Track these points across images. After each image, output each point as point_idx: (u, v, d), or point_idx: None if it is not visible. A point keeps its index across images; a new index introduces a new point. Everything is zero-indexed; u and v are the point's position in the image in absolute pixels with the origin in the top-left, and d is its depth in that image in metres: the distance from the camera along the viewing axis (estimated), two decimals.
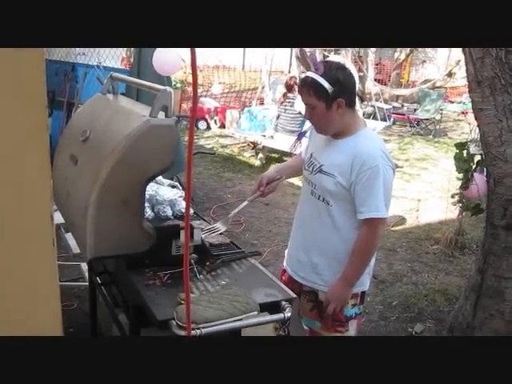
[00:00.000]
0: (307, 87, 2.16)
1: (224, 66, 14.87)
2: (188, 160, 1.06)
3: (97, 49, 6.18)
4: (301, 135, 7.45)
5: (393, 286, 4.46)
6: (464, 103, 14.15)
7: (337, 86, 2.12)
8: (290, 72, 11.04)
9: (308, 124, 6.42)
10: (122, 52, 6.75)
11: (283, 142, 7.92)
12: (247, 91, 13.10)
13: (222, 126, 10.70)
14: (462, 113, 13.81)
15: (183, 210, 2.43)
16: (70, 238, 3.05)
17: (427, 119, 11.92)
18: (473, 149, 4.04)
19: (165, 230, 2.23)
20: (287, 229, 4.95)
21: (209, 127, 10.84)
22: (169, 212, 2.43)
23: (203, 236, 2.28)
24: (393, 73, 15.39)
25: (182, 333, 1.67)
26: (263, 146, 8.37)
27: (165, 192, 2.47)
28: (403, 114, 12.67)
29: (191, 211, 2.57)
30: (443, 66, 17.13)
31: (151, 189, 2.42)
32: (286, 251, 2.60)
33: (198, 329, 1.69)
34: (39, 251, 1.18)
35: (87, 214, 2.06)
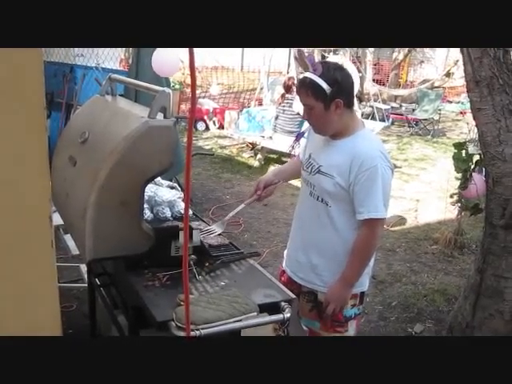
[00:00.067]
0: (305, 88, 2.16)
1: (222, 66, 14.87)
2: (187, 161, 1.06)
3: (95, 50, 6.18)
4: (299, 136, 7.46)
5: (392, 287, 4.46)
6: (462, 103, 14.16)
7: (335, 86, 2.13)
8: (288, 73, 11.04)
9: (306, 124, 6.44)
10: (120, 53, 6.75)
11: (282, 142, 7.92)
12: (246, 92, 13.09)
13: (221, 127, 10.70)
14: (461, 113, 13.83)
15: (182, 211, 2.43)
16: (68, 240, 3.05)
17: (426, 119, 11.93)
18: (471, 149, 4.04)
19: (164, 231, 2.23)
20: (286, 229, 4.95)
21: (207, 128, 10.84)
22: (168, 213, 2.43)
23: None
24: (391, 73, 15.40)
25: (182, 334, 1.67)
26: (262, 147, 8.37)
27: (164, 193, 2.47)
28: (402, 115, 12.69)
29: (190, 212, 2.57)
30: (441, 66, 17.15)
31: (150, 190, 2.42)
32: (285, 252, 2.60)
33: (198, 330, 1.69)
34: (38, 252, 1.18)
35: (86, 216, 2.06)
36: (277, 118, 8.12)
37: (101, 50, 6.12)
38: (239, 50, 16.57)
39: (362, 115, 10.82)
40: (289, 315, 1.89)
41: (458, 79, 14.40)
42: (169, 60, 4.58)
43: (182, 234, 2.13)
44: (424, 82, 15.00)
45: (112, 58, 6.18)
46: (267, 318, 1.89)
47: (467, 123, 8.20)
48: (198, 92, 11.37)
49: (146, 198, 2.29)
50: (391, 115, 12.29)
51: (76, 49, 6.56)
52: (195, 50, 0.95)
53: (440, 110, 12.23)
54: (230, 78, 14.28)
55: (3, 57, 1.00)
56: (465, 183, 3.85)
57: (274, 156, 8.68)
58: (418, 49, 16.80)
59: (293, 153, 7.33)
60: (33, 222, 1.15)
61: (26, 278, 1.17)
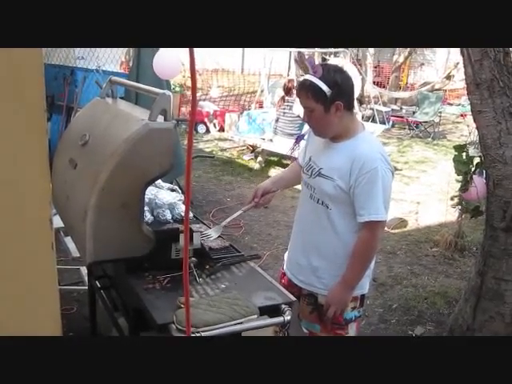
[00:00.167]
0: (305, 90, 2.17)
1: (223, 69, 14.90)
2: (187, 163, 1.06)
3: (96, 53, 6.19)
4: (299, 138, 7.46)
5: (393, 289, 4.46)
6: (463, 106, 14.15)
7: (335, 88, 2.13)
8: (288, 75, 11.05)
9: (307, 127, 6.44)
10: (121, 56, 6.76)
11: (282, 145, 7.92)
12: (246, 94, 13.10)
13: (221, 130, 10.71)
14: (461, 115, 13.80)
15: (182, 214, 2.43)
16: (69, 242, 3.05)
17: (426, 122, 11.93)
18: (472, 151, 4.04)
19: (164, 233, 2.23)
20: (287, 232, 4.95)
21: (208, 131, 10.85)
22: (168, 215, 2.43)
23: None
24: (391, 75, 15.40)
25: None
26: (262, 149, 8.37)
27: (164, 195, 2.47)
28: (402, 117, 12.68)
29: (190, 215, 2.57)
30: (442, 68, 17.15)
31: (150, 192, 2.42)
32: (286, 254, 2.60)
33: (198, 332, 1.69)
34: (38, 255, 1.18)
35: (86, 218, 2.06)
36: (277, 120, 8.12)
37: (101, 52, 6.13)
38: (239, 52, 16.59)
39: (363, 118, 10.82)
40: (289, 318, 1.89)
41: (459, 82, 14.39)
42: (170, 62, 4.59)
43: (182, 236, 2.13)
44: (424, 84, 15.01)
45: (113, 60, 6.18)
46: (268, 320, 1.89)
47: (468, 126, 8.21)
48: (198, 94, 11.39)
49: (146, 200, 2.28)
50: (392, 118, 12.30)
51: (76, 51, 6.58)
52: (195, 50, 0.95)
53: (440, 112, 12.23)
54: (230, 81, 14.29)
55: (3, 57, 1.00)
56: (465, 186, 3.84)
57: (275, 158, 8.68)
58: (418, 51, 16.80)
59: (293, 155, 7.32)
60: (33, 225, 1.15)
61: (26, 281, 1.17)
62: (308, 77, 2.16)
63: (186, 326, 1.54)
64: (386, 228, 4.14)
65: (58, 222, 2.54)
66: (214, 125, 10.94)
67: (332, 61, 9.51)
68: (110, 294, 2.28)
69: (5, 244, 1.12)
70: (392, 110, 12.76)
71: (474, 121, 3.08)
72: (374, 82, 13.75)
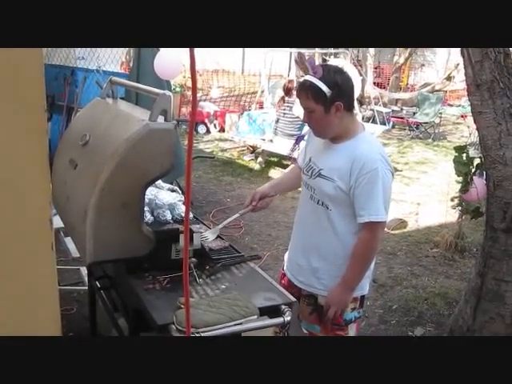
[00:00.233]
0: (305, 90, 2.17)
1: (223, 70, 14.90)
2: (187, 164, 1.06)
3: (96, 53, 6.20)
4: (299, 139, 7.46)
5: (393, 290, 4.46)
6: (463, 107, 14.15)
7: (335, 89, 2.13)
8: (289, 76, 11.05)
9: (307, 128, 6.43)
10: (121, 56, 6.76)
11: (282, 145, 7.92)
12: (246, 95, 13.11)
13: (222, 130, 10.72)
14: (461, 116, 13.80)
15: (183, 214, 2.43)
16: (69, 242, 3.05)
17: (426, 123, 11.92)
18: (472, 152, 4.03)
19: (164, 233, 2.23)
20: (287, 233, 4.95)
21: (208, 131, 10.85)
22: (168, 216, 2.43)
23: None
24: (392, 76, 15.40)
25: None
26: (262, 150, 8.37)
27: (164, 196, 2.47)
28: (402, 118, 12.68)
29: (191, 215, 2.57)
30: (442, 69, 17.15)
31: (150, 193, 2.42)
32: (286, 255, 2.60)
33: (198, 333, 1.69)
34: (38, 255, 1.18)
35: (87, 218, 2.06)
36: (277, 121, 8.12)
37: (102, 52, 6.14)
38: (240, 52, 16.58)
39: (363, 118, 10.83)
40: (289, 318, 1.89)
41: (459, 83, 14.39)
42: (171, 63, 4.59)
43: (182, 236, 2.13)
44: (425, 85, 15.02)
45: (113, 60, 6.19)
46: (267, 321, 1.89)
47: (468, 127, 8.21)
48: (198, 95, 11.39)
49: (146, 200, 2.28)
50: (392, 118, 12.30)
51: (77, 52, 6.58)
52: (195, 51, 0.95)
53: (441, 113, 12.22)
54: (230, 81, 14.30)
55: (3, 57, 1.00)
56: (465, 186, 3.84)
57: (275, 159, 8.68)
58: (418, 52, 16.81)
59: (293, 156, 7.33)
60: (33, 225, 1.15)
61: (26, 281, 1.17)
62: (308, 77, 2.16)
63: (185, 327, 1.54)
64: (385, 229, 4.13)
65: (58, 222, 2.54)
66: (215, 125, 10.94)
67: (332, 62, 9.50)
68: (109, 294, 2.28)
69: (5, 244, 1.12)
70: (392, 110, 12.77)
71: (475, 122, 3.08)
72: (374, 83, 13.76)
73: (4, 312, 1.15)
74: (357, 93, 7.56)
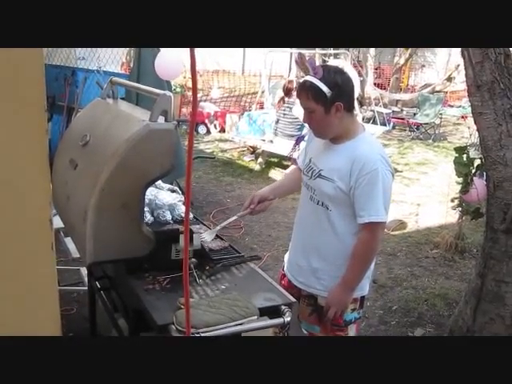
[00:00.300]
0: (306, 91, 2.17)
1: (224, 70, 14.90)
2: (188, 164, 1.06)
3: (97, 53, 6.20)
4: (299, 139, 7.46)
5: (393, 291, 4.46)
6: (463, 107, 14.13)
7: (335, 89, 2.13)
8: (289, 76, 11.05)
9: (307, 128, 6.42)
10: (121, 57, 6.76)
11: (283, 146, 7.92)
12: (247, 96, 13.11)
13: (222, 131, 10.72)
14: (462, 117, 13.80)
15: (183, 215, 2.43)
16: (69, 243, 3.05)
17: (427, 123, 11.92)
18: (472, 153, 4.03)
19: (164, 234, 2.23)
20: (287, 233, 4.95)
21: (208, 131, 10.85)
22: (168, 216, 2.43)
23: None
24: (392, 77, 15.40)
25: None
26: (263, 151, 8.37)
27: (164, 196, 2.47)
28: (403, 119, 12.68)
29: (191, 215, 2.57)
30: (442, 70, 17.15)
31: (151, 193, 2.42)
32: (286, 256, 2.60)
33: (198, 333, 1.69)
34: (38, 255, 1.18)
35: (87, 219, 2.06)
36: (277, 121, 8.12)
37: (102, 53, 6.14)
38: (240, 53, 16.57)
39: (363, 119, 10.83)
40: (289, 319, 1.89)
41: (460, 83, 14.38)
42: (172, 63, 4.59)
43: (182, 237, 2.13)
44: (425, 86, 15.01)
45: (113, 61, 6.19)
46: (267, 321, 1.89)
47: (468, 127, 8.19)
48: (199, 95, 11.39)
49: (146, 201, 2.28)
50: (392, 119, 12.30)
51: (77, 52, 6.58)
52: (196, 51, 0.95)
53: (441, 114, 12.22)
54: (231, 82, 14.30)
55: (3, 57, 1.00)
56: (466, 187, 3.83)
57: (275, 159, 8.68)
58: (419, 53, 16.80)
59: (293, 156, 7.33)
60: (33, 225, 1.15)
61: (26, 281, 1.17)
62: (308, 78, 2.16)
63: (185, 327, 1.54)
64: (385, 230, 4.14)
65: (58, 222, 2.54)
66: (215, 126, 10.94)
67: (332, 62, 9.50)
68: (109, 294, 2.28)
69: (5, 244, 1.12)
70: (393, 111, 12.76)
71: (475, 123, 3.08)
72: (374, 84, 13.75)
73: (4, 312, 1.15)
74: (356, 94, 7.55)
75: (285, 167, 8.17)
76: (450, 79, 14.91)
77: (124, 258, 2.11)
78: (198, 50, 0.97)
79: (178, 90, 11.04)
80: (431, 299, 4.30)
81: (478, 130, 3.09)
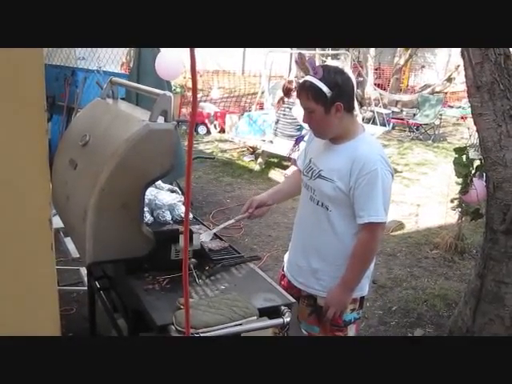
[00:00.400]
0: (306, 91, 2.17)
1: (224, 70, 14.90)
2: (188, 164, 1.06)
3: (97, 53, 6.20)
4: (299, 140, 7.46)
5: (392, 291, 4.46)
6: (463, 108, 14.15)
7: (335, 89, 2.13)
8: (289, 76, 11.05)
9: (306, 128, 6.41)
10: (121, 57, 6.76)
11: (282, 146, 7.91)
12: (247, 96, 13.11)
13: (222, 131, 10.72)
14: (462, 118, 13.81)
15: (182, 215, 2.43)
16: (69, 243, 3.05)
17: (426, 124, 11.93)
18: (472, 154, 4.03)
19: (164, 234, 2.23)
20: (287, 233, 4.95)
21: (208, 132, 10.85)
22: (168, 216, 2.43)
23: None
24: (392, 78, 15.41)
25: None
26: (263, 151, 8.37)
27: (164, 196, 2.47)
28: (402, 119, 12.68)
29: (190, 216, 2.57)
30: (442, 71, 17.16)
31: (150, 193, 2.42)
32: (286, 256, 2.60)
33: (197, 334, 1.69)
34: (38, 255, 1.18)
35: (86, 219, 2.06)
36: (277, 122, 8.12)
37: (102, 53, 6.13)
38: (240, 53, 16.58)
39: (363, 120, 10.83)
40: (289, 319, 1.89)
41: (459, 84, 14.39)
42: (172, 63, 4.59)
43: (182, 237, 2.13)
44: (425, 86, 15.02)
45: (113, 61, 6.19)
46: (267, 321, 1.89)
47: (468, 128, 8.18)
48: (199, 96, 11.39)
49: (146, 201, 2.28)
50: (392, 120, 12.30)
51: (77, 52, 6.58)
52: (196, 51, 0.95)
53: (441, 114, 12.23)
54: (231, 82, 14.30)
55: (3, 57, 1.00)
56: (465, 188, 3.84)
57: (275, 160, 8.69)
58: (419, 54, 16.81)
59: (292, 156, 7.33)
60: (33, 225, 1.15)
61: (26, 281, 1.17)
62: (308, 78, 2.16)
63: (185, 327, 1.54)
64: (385, 230, 4.14)
65: (57, 222, 2.54)
66: (215, 126, 10.94)
67: (331, 63, 9.50)
68: (109, 294, 2.28)
69: (5, 244, 1.12)
70: (392, 112, 12.77)
71: (475, 123, 3.08)
72: (374, 84, 13.76)
73: (4, 312, 1.15)
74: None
75: (285, 167, 8.17)
76: (449, 80, 14.91)
77: (124, 258, 2.11)
78: (198, 50, 0.97)
79: (178, 90, 11.04)
80: (431, 300, 4.30)
81: (477, 130, 3.09)
